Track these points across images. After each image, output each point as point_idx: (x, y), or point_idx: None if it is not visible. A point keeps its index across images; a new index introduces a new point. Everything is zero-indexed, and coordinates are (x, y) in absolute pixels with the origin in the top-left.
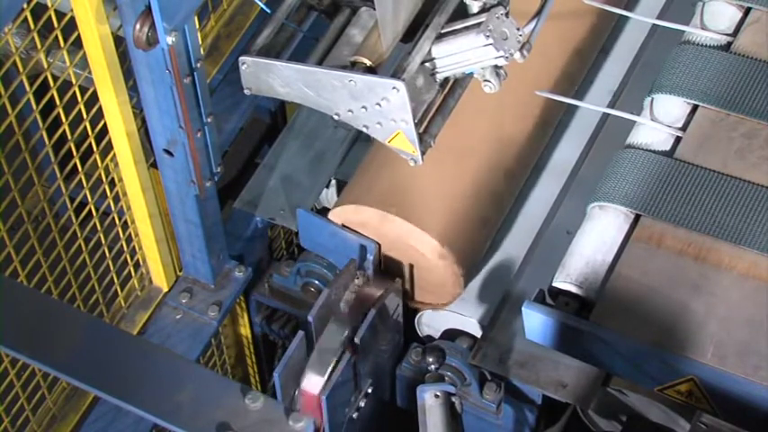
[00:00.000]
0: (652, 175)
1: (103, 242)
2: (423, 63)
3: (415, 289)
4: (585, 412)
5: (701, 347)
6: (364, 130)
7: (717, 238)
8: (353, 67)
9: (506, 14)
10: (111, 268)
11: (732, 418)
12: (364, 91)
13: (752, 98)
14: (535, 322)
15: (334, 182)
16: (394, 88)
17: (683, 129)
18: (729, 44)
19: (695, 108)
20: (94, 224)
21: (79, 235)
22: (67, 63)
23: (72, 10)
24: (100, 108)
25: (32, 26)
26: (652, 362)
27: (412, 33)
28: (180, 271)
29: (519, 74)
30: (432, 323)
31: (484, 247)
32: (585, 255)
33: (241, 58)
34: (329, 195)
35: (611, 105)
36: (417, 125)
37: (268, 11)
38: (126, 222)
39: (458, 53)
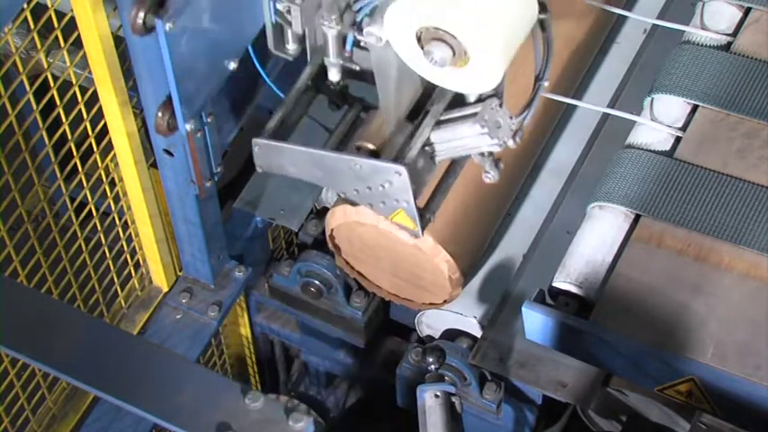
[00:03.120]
0: (652, 175)
1: (104, 242)
2: (423, 147)
3: (413, 289)
4: (585, 412)
5: (701, 347)
6: (368, 207)
7: (717, 238)
8: (358, 150)
9: (500, 105)
10: (112, 268)
11: (732, 418)
12: (369, 173)
13: (752, 98)
14: (535, 322)
15: None
16: (396, 173)
17: (683, 129)
18: (729, 44)
19: (695, 108)
20: (95, 224)
21: (79, 235)
22: (67, 63)
23: (72, 10)
24: (100, 108)
25: (32, 26)
26: (652, 362)
27: (413, 115)
28: (180, 271)
29: (519, 74)
30: (432, 323)
31: (483, 247)
32: (585, 255)
33: (254, 141)
34: (329, 195)
35: (611, 105)
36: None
37: (281, 95)
38: (126, 222)
39: (455, 140)
